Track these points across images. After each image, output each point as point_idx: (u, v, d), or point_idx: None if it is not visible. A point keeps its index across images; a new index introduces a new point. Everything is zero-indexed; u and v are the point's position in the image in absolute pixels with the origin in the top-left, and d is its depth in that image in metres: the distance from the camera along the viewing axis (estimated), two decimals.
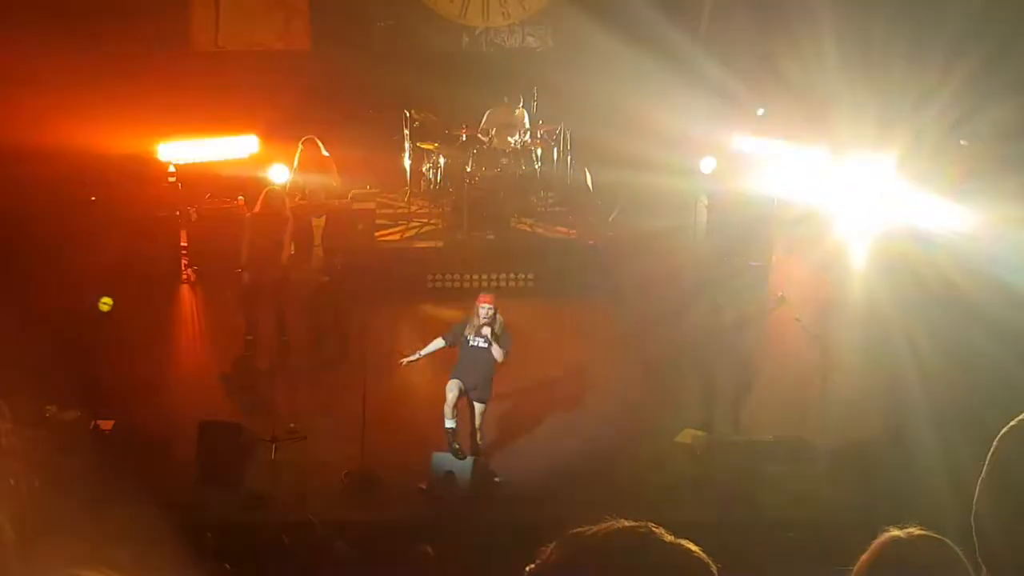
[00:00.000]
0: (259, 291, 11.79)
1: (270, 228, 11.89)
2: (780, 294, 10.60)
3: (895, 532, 2.45)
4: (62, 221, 13.15)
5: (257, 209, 12.08)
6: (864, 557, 2.45)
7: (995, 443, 1.86)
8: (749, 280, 12.77)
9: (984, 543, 1.87)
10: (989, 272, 12.40)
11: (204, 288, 13.32)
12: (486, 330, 9.93)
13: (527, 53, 16.99)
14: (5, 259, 12.45)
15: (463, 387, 10.00)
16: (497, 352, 9.92)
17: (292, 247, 13.15)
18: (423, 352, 10.20)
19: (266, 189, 12.40)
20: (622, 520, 1.71)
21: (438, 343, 10.22)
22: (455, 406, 9.98)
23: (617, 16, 15.34)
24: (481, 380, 10.06)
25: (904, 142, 14.04)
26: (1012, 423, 1.84)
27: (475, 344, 10.04)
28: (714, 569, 1.71)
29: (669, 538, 1.70)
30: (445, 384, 10.11)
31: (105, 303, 10.45)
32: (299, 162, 13.88)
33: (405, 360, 10.26)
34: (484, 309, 10.00)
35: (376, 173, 15.10)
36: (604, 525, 1.71)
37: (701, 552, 1.71)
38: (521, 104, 15.01)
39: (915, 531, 2.44)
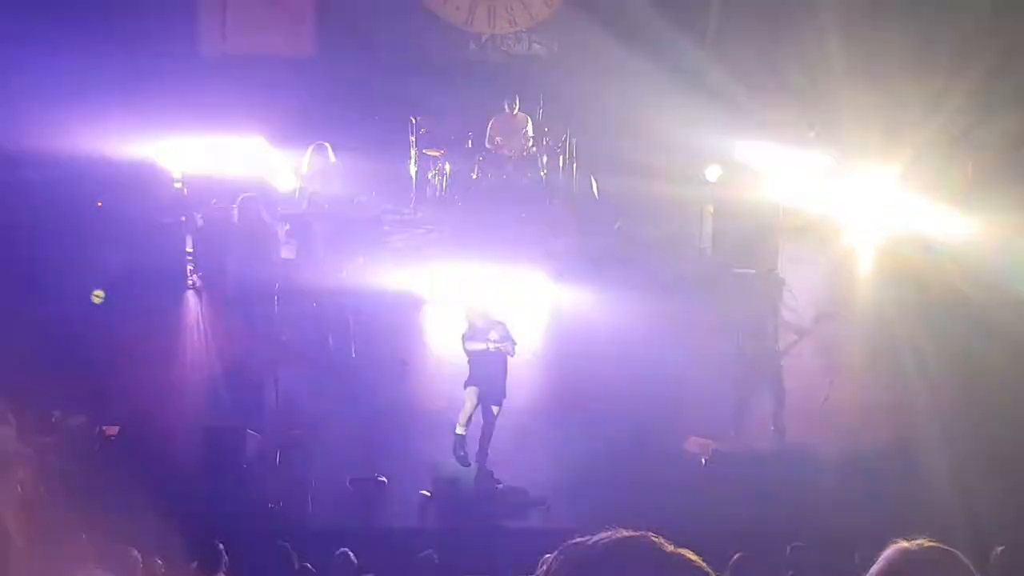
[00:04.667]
0: (247, 301, 11.52)
1: (252, 237, 11.64)
2: (831, 310, 10.62)
3: (904, 543, 2.44)
4: (68, 226, 13.16)
5: (234, 219, 11.85)
6: (873, 568, 2.45)
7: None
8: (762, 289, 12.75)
9: None
10: (995, 280, 12.39)
11: (209, 293, 13.33)
12: (493, 334, 9.97)
13: (533, 60, 16.99)
14: (11, 263, 12.48)
15: (480, 393, 10.05)
16: (509, 347, 9.98)
17: (288, 252, 13.14)
18: (467, 408, 10.15)
19: (240, 197, 12.21)
20: (621, 530, 1.71)
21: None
22: (471, 414, 10.05)
23: (623, 24, 15.34)
24: (498, 382, 10.13)
25: (910, 150, 14.04)
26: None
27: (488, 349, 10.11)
28: None
29: (669, 548, 1.70)
30: (448, 390, 10.18)
31: (97, 295, 10.43)
32: (307, 168, 13.90)
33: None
34: (488, 318, 10.07)
35: (382, 180, 15.10)
36: (604, 535, 1.71)
37: (701, 562, 1.72)
38: (517, 108, 15.00)
39: (924, 542, 2.44)
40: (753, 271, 13.12)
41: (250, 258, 11.52)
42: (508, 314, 10.31)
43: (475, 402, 10.04)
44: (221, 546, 8.13)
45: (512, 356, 10.12)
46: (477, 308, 10.18)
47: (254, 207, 12.02)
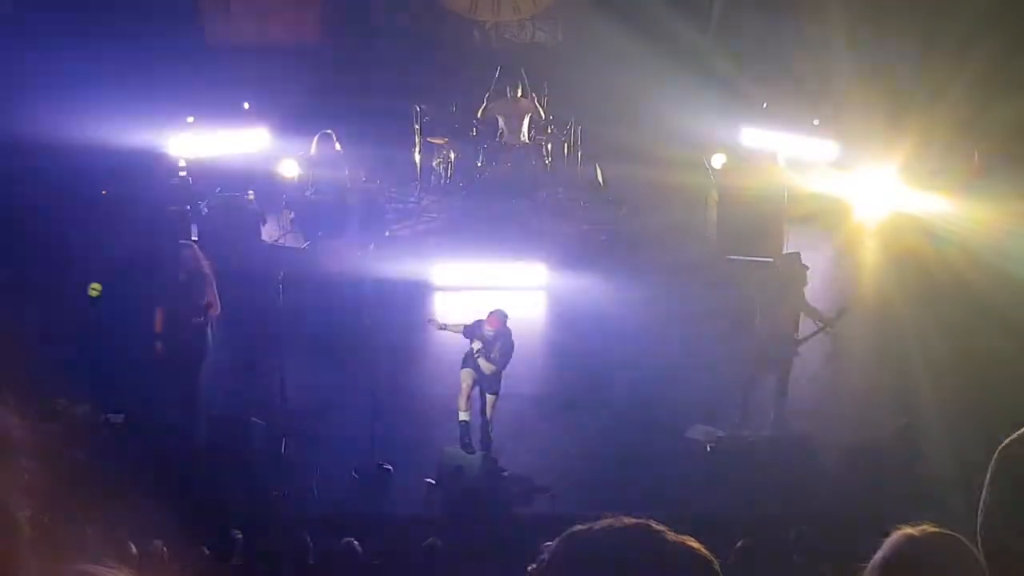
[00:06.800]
0: (175, 362, 10.61)
1: (187, 291, 10.48)
2: (848, 305, 10.65)
3: (908, 529, 2.43)
4: (74, 213, 13.18)
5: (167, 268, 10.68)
6: (877, 555, 2.44)
7: (999, 456, 1.84)
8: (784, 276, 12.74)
9: (995, 553, 1.85)
10: (1000, 268, 12.38)
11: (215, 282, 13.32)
12: (481, 359, 9.95)
13: (537, 48, 16.97)
14: (17, 250, 12.50)
15: (476, 377, 10.04)
16: (485, 367, 9.99)
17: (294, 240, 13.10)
18: (464, 390, 10.09)
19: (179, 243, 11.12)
20: (623, 518, 1.72)
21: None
22: (469, 396, 10.03)
23: (627, 11, 15.33)
24: (493, 375, 10.11)
25: (915, 138, 14.01)
26: (1015, 435, 1.83)
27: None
28: (716, 566, 1.72)
29: (670, 535, 1.70)
30: (455, 380, 10.17)
31: (94, 289, 10.28)
32: (313, 154, 13.91)
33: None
34: (488, 332, 10.01)
35: (386, 168, 15.10)
36: (605, 522, 1.71)
37: (703, 549, 1.72)
38: (519, 92, 14.97)
39: (928, 528, 2.42)
40: (759, 258, 13.10)
41: (183, 309, 10.45)
42: (511, 306, 10.27)
43: (470, 383, 10.02)
44: (239, 535, 8.17)
45: (488, 373, 10.06)
46: (485, 328, 10.10)
47: (191, 254, 10.78)
